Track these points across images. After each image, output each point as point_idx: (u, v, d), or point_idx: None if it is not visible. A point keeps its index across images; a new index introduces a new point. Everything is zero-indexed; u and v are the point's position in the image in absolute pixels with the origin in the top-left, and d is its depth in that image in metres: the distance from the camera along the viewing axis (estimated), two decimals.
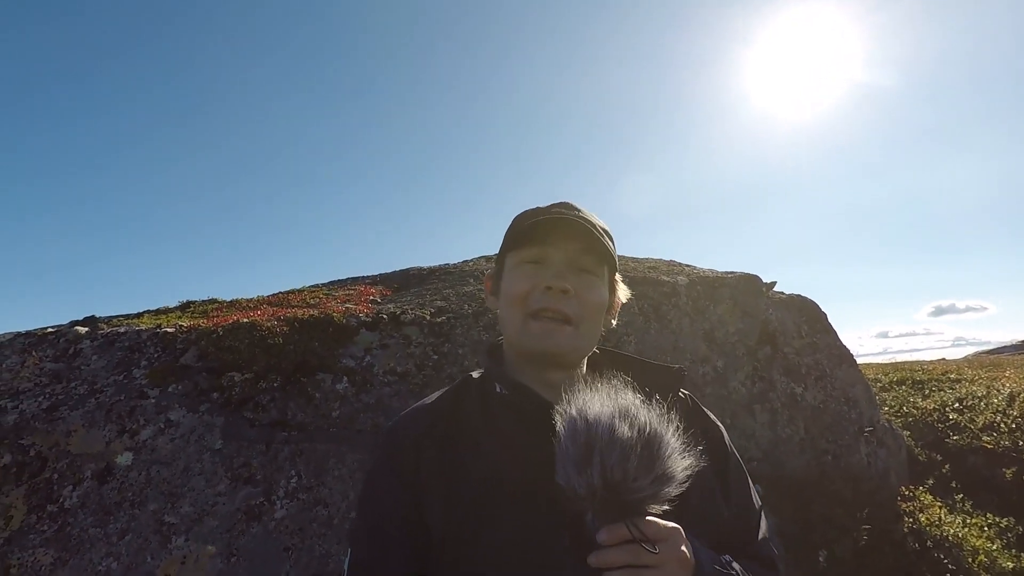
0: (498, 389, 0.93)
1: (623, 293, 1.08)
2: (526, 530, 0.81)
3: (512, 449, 0.87)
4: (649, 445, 0.73)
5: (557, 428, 0.77)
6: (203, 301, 4.16)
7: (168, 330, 2.92)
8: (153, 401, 2.56)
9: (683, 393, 1.05)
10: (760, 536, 0.99)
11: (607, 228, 1.02)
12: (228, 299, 4.18)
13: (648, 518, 0.74)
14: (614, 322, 1.07)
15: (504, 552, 0.81)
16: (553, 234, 0.94)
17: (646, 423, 0.74)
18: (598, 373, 1.07)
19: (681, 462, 0.75)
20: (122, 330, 2.98)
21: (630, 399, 0.78)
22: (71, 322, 3.18)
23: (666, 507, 0.74)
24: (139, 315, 3.71)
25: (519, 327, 0.94)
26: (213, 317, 3.33)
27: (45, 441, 2.41)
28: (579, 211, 1.00)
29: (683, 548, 0.76)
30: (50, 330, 3.03)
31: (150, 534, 2.27)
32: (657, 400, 0.79)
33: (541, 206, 1.04)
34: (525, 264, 0.96)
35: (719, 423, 1.07)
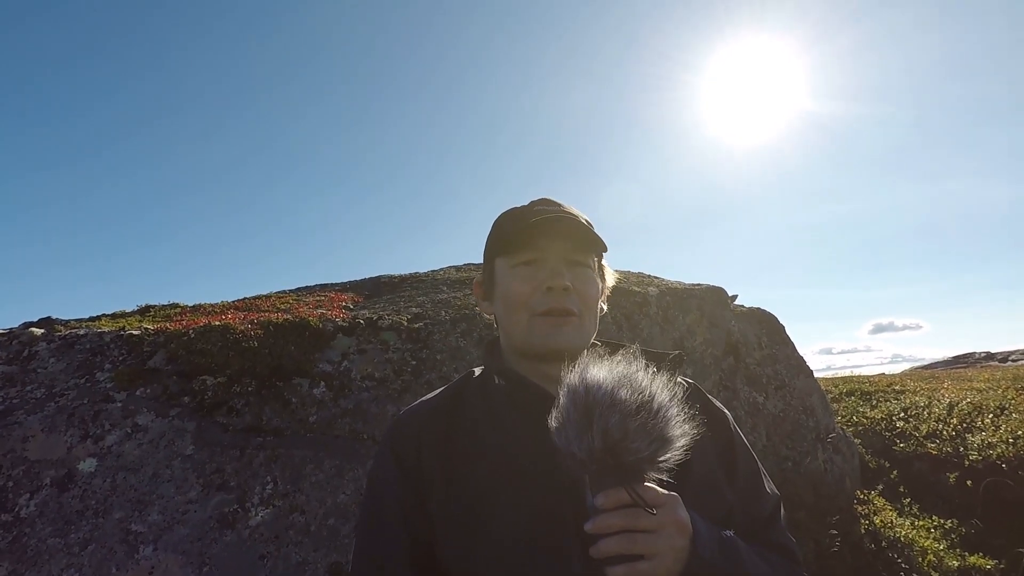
0: (497, 381, 0.94)
1: (611, 277, 1.10)
2: (528, 522, 0.82)
3: (514, 440, 0.88)
4: (649, 409, 0.72)
5: (558, 397, 0.76)
6: (164, 305, 4.00)
7: (133, 332, 2.80)
8: (119, 405, 2.44)
9: (685, 380, 1.09)
10: (775, 524, 0.98)
11: (588, 219, 1.02)
12: (190, 304, 4.04)
13: (646, 484, 0.73)
14: (605, 307, 1.08)
15: (506, 543, 0.82)
16: (544, 235, 0.94)
17: (647, 388, 0.74)
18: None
19: (681, 428, 0.73)
20: (82, 332, 2.84)
21: (633, 367, 0.77)
22: (24, 323, 3.00)
23: (666, 478, 0.74)
24: (96, 318, 3.53)
25: (525, 328, 0.94)
26: (178, 321, 3.20)
27: None
28: (561, 206, 1.00)
29: (681, 513, 0.75)
30: (1, 331, 2.86)
31: (115, 543, 2.15)
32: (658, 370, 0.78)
33: (520, 205, 1.04)
34: (519, 267, 0.96)
35: (725, 409, 1.10)
